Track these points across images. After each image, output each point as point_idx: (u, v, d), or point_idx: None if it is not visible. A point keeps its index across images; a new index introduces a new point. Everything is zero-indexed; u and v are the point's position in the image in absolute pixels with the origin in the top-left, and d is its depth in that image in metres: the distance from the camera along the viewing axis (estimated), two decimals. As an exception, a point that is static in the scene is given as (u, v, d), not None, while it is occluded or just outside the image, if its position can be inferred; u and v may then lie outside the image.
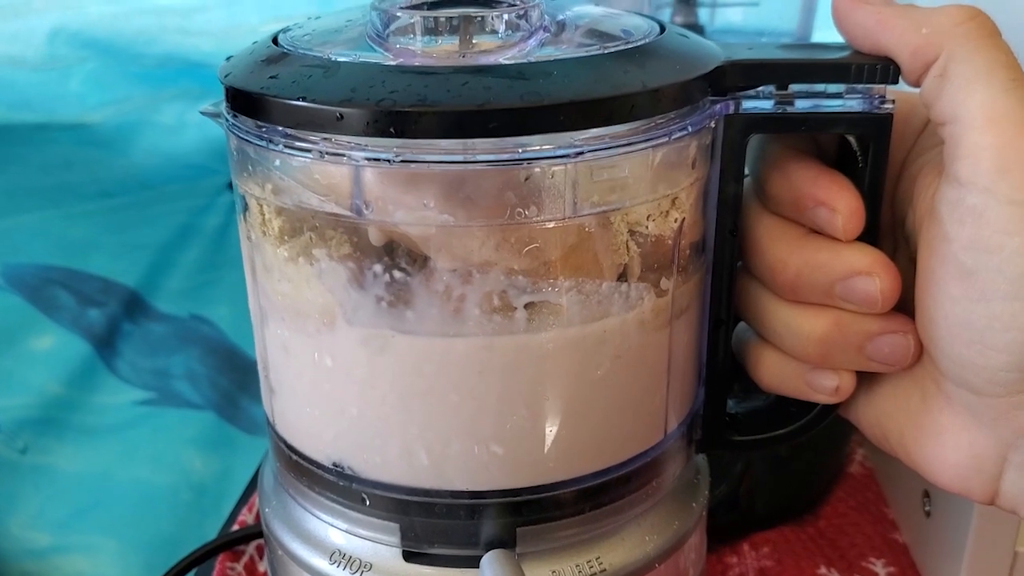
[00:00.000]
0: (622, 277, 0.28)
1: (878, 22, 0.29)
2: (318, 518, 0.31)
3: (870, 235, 0.30)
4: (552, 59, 0.26)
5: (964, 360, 0.28)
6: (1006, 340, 0.27)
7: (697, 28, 0.52)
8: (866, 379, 0.32)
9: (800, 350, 0.31)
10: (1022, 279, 0.26)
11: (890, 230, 0.31)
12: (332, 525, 0.31)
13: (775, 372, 0.32)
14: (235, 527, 0.54)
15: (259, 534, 0.49)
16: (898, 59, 0.28)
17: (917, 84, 0.28)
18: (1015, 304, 0.26)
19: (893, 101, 0.29)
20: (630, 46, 0.28)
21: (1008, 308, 0.26)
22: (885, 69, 0.29)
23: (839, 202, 0.29)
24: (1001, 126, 0.26)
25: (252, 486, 0.59)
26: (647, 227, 0.28)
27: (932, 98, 0.28)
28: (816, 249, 0.30)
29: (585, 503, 0.30)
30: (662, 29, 0.30)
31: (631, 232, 0.28)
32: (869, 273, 0.29)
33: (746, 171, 0.31)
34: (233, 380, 0.78)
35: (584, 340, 0.28)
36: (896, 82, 0.29)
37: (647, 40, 0.28)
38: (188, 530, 0.74)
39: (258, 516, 0.40)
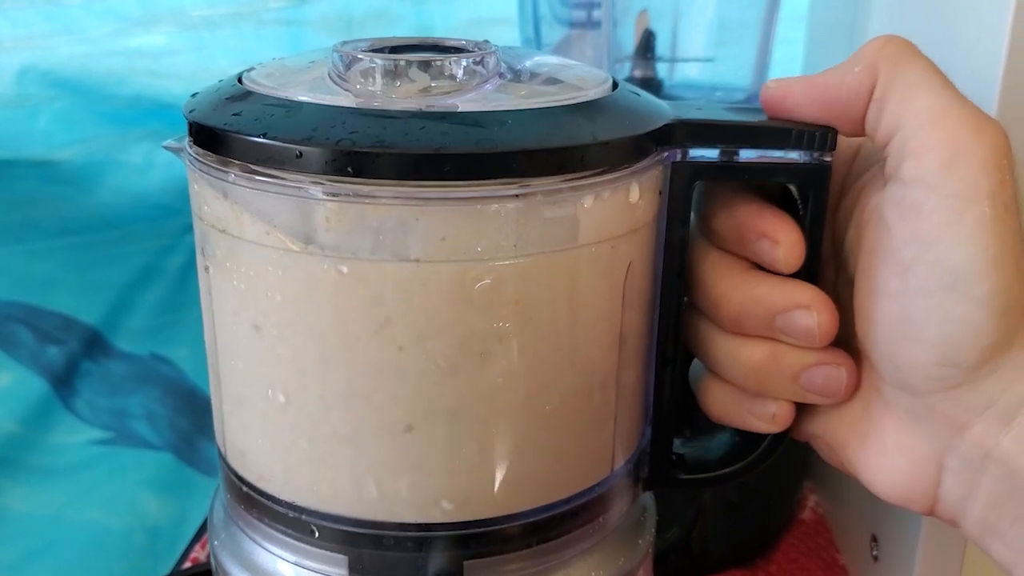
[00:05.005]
0: (572, 315, 0.29)
1: (813, 85, 0.30)
2: (267, 550, 0.31)
3: (810, 274, 0.31)
4: (507, 109, 0.27)
5: (901, 358, 0.29)
6: (942, 334, 0.28)
7: (655, 82, 0.54)
8: None
9: (739, 379, 0.32)
10: (957, 271, 0.27)
11: (831, 256, 0.33)
12: (281, 557, 0.31)
13: (720, 402, 0.33)
14: (187, 564, 0.54)
15: (210, 571, 0.49)
16: (842, 107, 0.30)
17: (863, 126, 0.30)
18: (950, 296, 0.27)
19: (832, 152, 0.30)
20: (583, 100, 0.29)
21: (943, 301, 0.27)
22: (824, 135, 0.30)
23: (781, 234, 0.30)
24: (943, 124, 0.28)
25: (207, 524, 0.59)
26: (595, 268, 0.29)
27: (875, 123, 0.29)
28: (758, 284, 0.31)
29: (532, 537, 0.30)
30: (615, 85, 0.31)
31: (580, 273, 0.29)
32: (808, 307, 0.30)
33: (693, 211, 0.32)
34: (193, 421, 0.77)
35: (534, 376, 0.28)
36: (833, 148, 0.30)
37: (600, 95, 0.30)
38: (141, 575, 0.73)
39: (210, 552, 0.39)
